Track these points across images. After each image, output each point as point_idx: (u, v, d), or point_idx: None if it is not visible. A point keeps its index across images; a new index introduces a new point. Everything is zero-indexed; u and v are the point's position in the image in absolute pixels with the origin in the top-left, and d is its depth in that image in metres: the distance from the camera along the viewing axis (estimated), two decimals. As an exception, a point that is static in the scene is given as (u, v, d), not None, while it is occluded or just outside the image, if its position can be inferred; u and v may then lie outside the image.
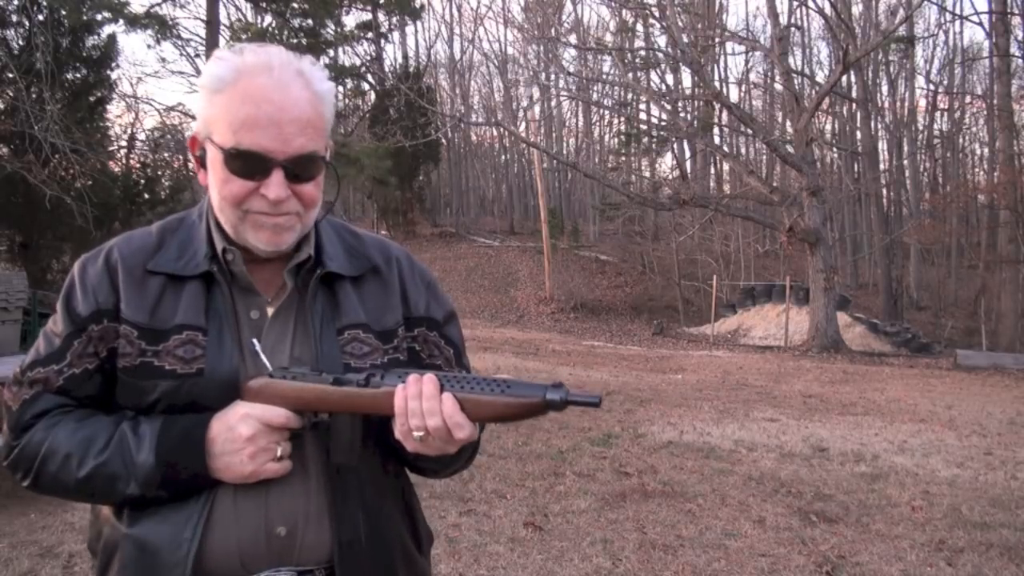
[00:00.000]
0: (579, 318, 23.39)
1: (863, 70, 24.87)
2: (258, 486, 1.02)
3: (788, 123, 22.15)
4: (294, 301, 1.10)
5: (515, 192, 42.06)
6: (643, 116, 30.69)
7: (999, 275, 19.54)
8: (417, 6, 27.63)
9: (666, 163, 35.54)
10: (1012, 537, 4.00)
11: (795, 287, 19.20)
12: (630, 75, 22.54)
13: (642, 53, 24.45)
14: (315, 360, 1.07)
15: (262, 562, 1.03)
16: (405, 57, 36.10)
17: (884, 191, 29.29)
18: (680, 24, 17.81)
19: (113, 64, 13.92)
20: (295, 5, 17.84)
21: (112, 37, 13.90)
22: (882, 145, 31.99)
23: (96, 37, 13.67)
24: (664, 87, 27.39)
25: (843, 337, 16.84)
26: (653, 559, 3.61)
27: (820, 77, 27.52)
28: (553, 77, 25.97)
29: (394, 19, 31.47)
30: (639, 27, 26.55)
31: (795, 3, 25.13)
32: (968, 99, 31.53)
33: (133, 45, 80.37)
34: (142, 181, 14.92)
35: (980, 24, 46.36)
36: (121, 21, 14.35)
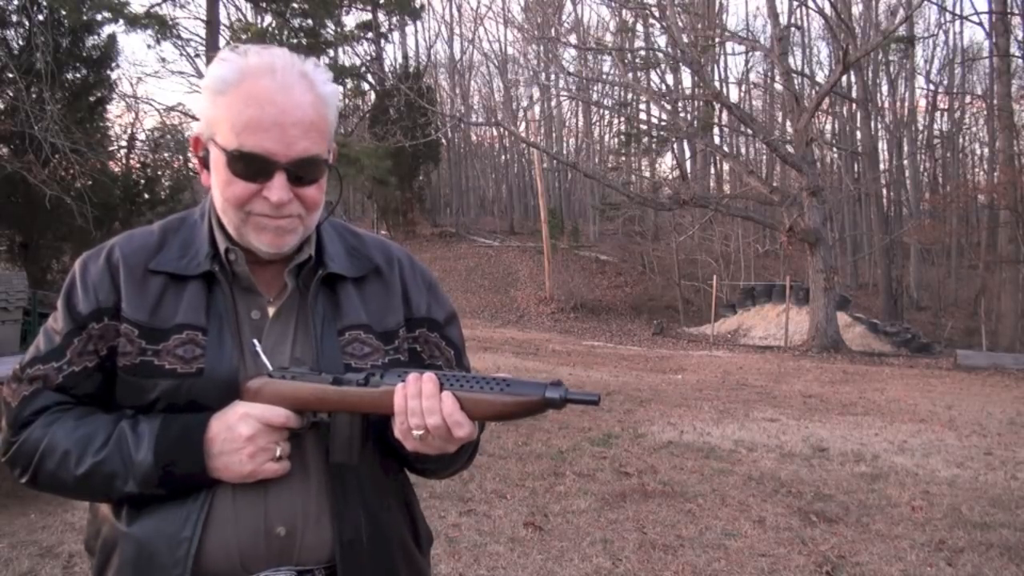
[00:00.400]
0: (579, 318, 23.39)
1: (863, 70, 24.87)
2: (257, 486, 1.02)
3: (788, 123, 22.16)
4: (295, 302, 1.10)
5: (515, 192, 42.05)
6: (643, 116, 30.72)
7: (999, 275, 19.54)
8: (417, 6, 27.65)
9: (666, 163, 35.59)
10: (1012, 537, 4.00)
11: (795, 287, 19.20)
12: (630, 75, 22.54)
13: (642, 53, 24.44)
14: (316, 361, 1.07)
15: (261, 562, 1.03)
16: (405, 57, 36.14)
17: (884, 191, 29.29)
18: (680, 24, 17.81)
19: (113, 64, 13.93)
20: (295, 5, 17.84)
21: (112, 37, 13.91)
22: (882, 145, 32.02)
23: (96, 37, 13.68)
24: (664, 87, 27.40)
25: (843, 337, 16.84)
26: (653, 559, 3.61)
27: (820, 77, 27.55)
28: (553, 77, 26.00)
29: (394, 19, 31.49)
30: (639, 27, 26.56)
31: (795, 3, 25.16)
32: (968, 99, 31.55)
33: (133, 45, 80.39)
34: (142, 181, 14.93)
35: (980, 24, 46.39)
36: (121, 21, 14.35)
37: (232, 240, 1.07)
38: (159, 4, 16.87)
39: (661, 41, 24.05)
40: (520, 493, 4.58)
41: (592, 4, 59.83)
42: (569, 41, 25.20)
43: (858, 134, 29.56)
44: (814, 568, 3.55)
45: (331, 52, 22.50)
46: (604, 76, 26.64)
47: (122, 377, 1.05)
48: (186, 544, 1.00)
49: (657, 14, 18.91)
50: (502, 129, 29.82)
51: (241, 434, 1.00)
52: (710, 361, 13.98)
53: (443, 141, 34.81)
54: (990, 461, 5.81)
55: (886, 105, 31.71)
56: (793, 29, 25.46)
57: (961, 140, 33.19)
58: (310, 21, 18.55)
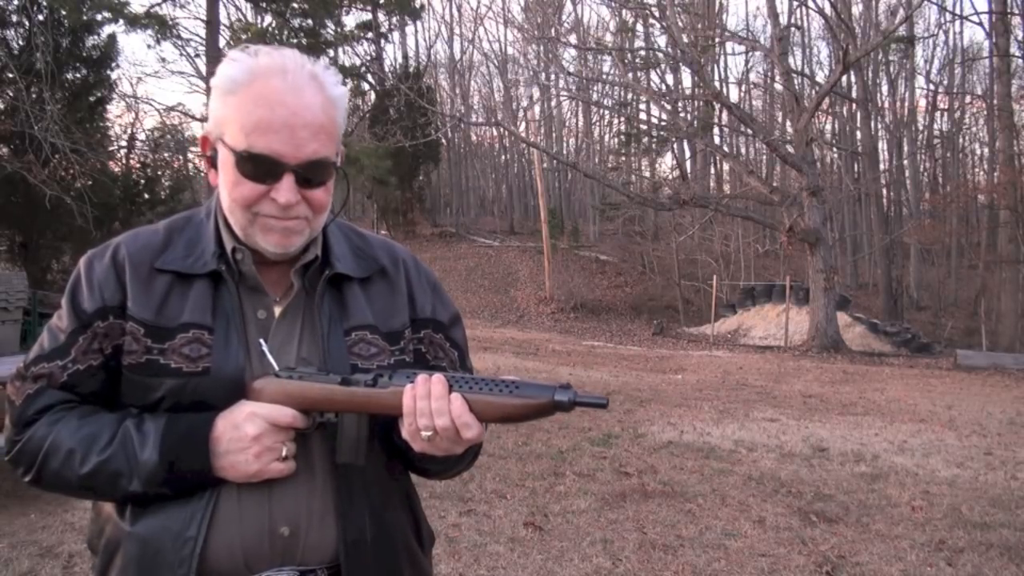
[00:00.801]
0: (579, 318, 23.38)
1: (863, 70, 24.87)
2: (262, 485, 1.02)
3: (788, 123, 22.15)
4: (301, 302, 1.10)
5: (515, 192, 42.05)
6: (643, 116, 30.71)
7: (999, 275, 19.54)
8: (417, 6, 27.69)
9: (666, 163, 35.59)
10: (1012, 537, 4.00)
11: (795, 287, 19.19)
12: (630, 75, 22.54)
13: (642, 53, 24.45)
14: (322, 361, 1.07)
15: (264, 562, 1.03)
16: (405, 57, 36.13)
17: (884, 191, 29.29)
18: (680, 24, 17.81)
19: (113, 64, 13.97)
20: (295, 5, 17.86)
21: (112, 37, 13.93)
22: (882, 145, 32.02)
23: (96, 37, 13.70)
24: (664, 87, 27.41)
25: (843, 337, 16.84)
26: (653, 559, 3.61)
27: (820, 77, 27.55)
28: (553, 77, 26.00)
29: (394, 19, 31.52)
30: (639, 27, 26.56)
31: (795, 3, 25.17)
32: (968, 99, 31.55)
33: (133, 45, 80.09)
34: (142, 181, 14.96)
35: (980, 24, 46.36)
36: (121, 21, 14.37)
37: (238, 240, 1.07)
38: (159, 4, 16.88)
39: (661, 41, 24.08)
40: (520, 493, 4.58)
41: (592, 4, 59.93)
42: (569, 41, 25.22)
43: (858, 134, 29.56)
44: (814, 568, 3.55)
45: (331, 52, 22.51)
46: (604, 76, 26.65)
47: (127, 376, 1.04)
48: (191, 543, 1.00)
49: (657, 14, 18.91)
50: (502, 129, 29.84)
51: (247, 433, 1.00)
52: (710, 361, 13.98)
53: (443, 141, 34.80)
54: (990, 461, 5.81)
55: (886, 105, 31.73)
56: (793, 29, 25.47)
57: (961, 140, 33.23)
58: (310, 21, 18.57)
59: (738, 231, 27.89)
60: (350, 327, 1.10)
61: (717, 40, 21.12)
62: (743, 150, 33.29)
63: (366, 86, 30.75)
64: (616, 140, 37.67)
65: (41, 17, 11.48)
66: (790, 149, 17.98)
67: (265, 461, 1.01)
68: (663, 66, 26.77)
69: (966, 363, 13.52)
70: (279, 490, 1.03)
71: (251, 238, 1.05)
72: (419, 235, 32.40)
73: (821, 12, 19.96)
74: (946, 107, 31.86)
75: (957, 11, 29.93)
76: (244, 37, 17.73)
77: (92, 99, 13.42)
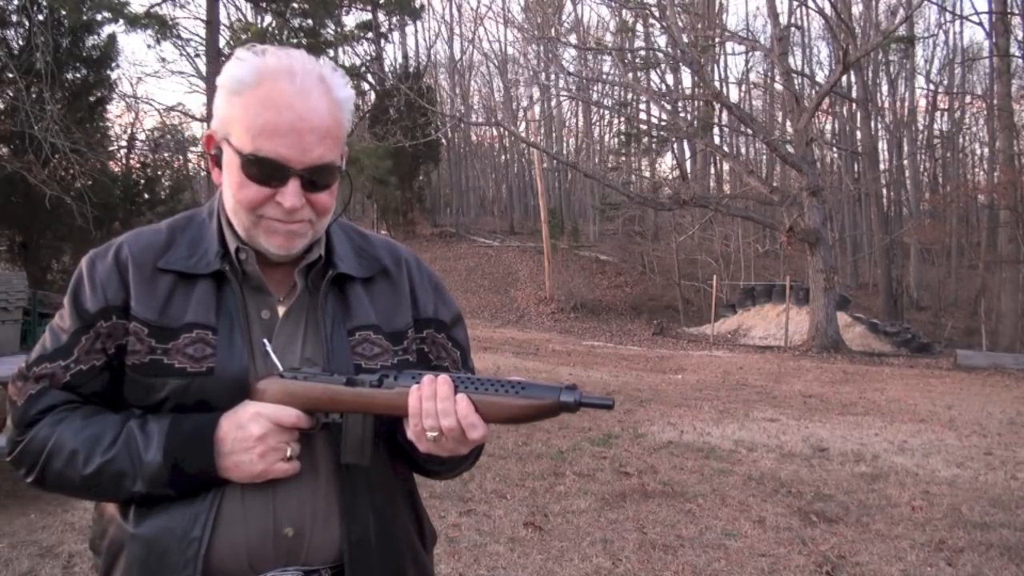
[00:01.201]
0: (579, 318, 23.38)
1: (863, 70, 24.87)
2: (266, 486, 1.02)
3: (788, 123, 22.15)
4: (305, 302, 1.10)
5: (515, 192, 42.04)
6: (643, 116, 30.71)
7: (999, 275, 19.55)
8: (417, 6, 27.69)
9: (666, 163, 35.59)
10: (1012, 537, 4.00)
11: (795, 287, 19.19)
12: (630, 75, 22.55)
13: (642, 53, 24.45)
14: (326, 360, 1.07)
15: (269, 562, 1.03)
16: (405, 57, 36.11)
17: (884, 191, 29.29)
18: (680, 24, 17.81)
19: (113, 64, 13.97)
20: (295, 5, 17.86)
21: (112, 37, 13.93)
22: (882, 145, 32.02)
23: (96, 37, 13.70)
24: (664, 87, 27.41)
25: (843, 337, 16.84)
26: (653, 559, 3.61)
27: (820, 77, 27.55)
28: (553, 77, 25.97)
29: (394, 19, 31.50)
30: (639, 27, 26.56)
31: (795, 3, 25.16)
32: (968, 99, 31.55)
33: (133, 45, 79.94)
34: (142, 181, 14.96)
35: (980, 24, 46.30)
36: (121, 21, 14.38)
37: (242, 240, 1.07)
38: (159, 4, 16.88)
39: (661, 41, 24.07)
40: (520, 493, 4.58)
41: (592, 4, 59.87)
42: (569, 41, 25.24)
43: (858, 134, 29.56)
44: (814, 568, 3.56)
45: (331, 52, 22.51)
46: (604, 76, 26.64)
47: (131, 376, 1.04)
48: (196, 544, 1.00)
49: (657, 14, 18.91)
50: (502, 129, 29.83)
51: (252, 433, 1.00)
52: (710, 361, 13.98)
53: (443, 141, 34.78)
54: (990, 461, 5.81)
55: (886, 105, 31.74)
56: (793, 29, 25.47)
57: (961, 140, 33.23)
58: (310, 21, 18.57)
59: (738, 231, 27.89)
60: (353, 327, 1.10)
61: (717, 40, 21.13)
62: (743, 150, 33.29)
63: (366, 86, 30.75)
64: (616, 140, 37.69)
65: (41, 17, 11.48)
66: (790, 149, 17.98)
67: (269, 461, 1.00)
68: (663, 66, 26.78)
69: (966, 363, 13.52)
70: (283, 491, 1.03)
71: (254, 240, 1.05)
72: (419, 235, 32.38)
73: (821, 12, 19.97)
74: (946, 107, 31.88)
75: (957, 11, 29.93)
76: (244, 37, 17.73)
77: (92, 99, 13.42)
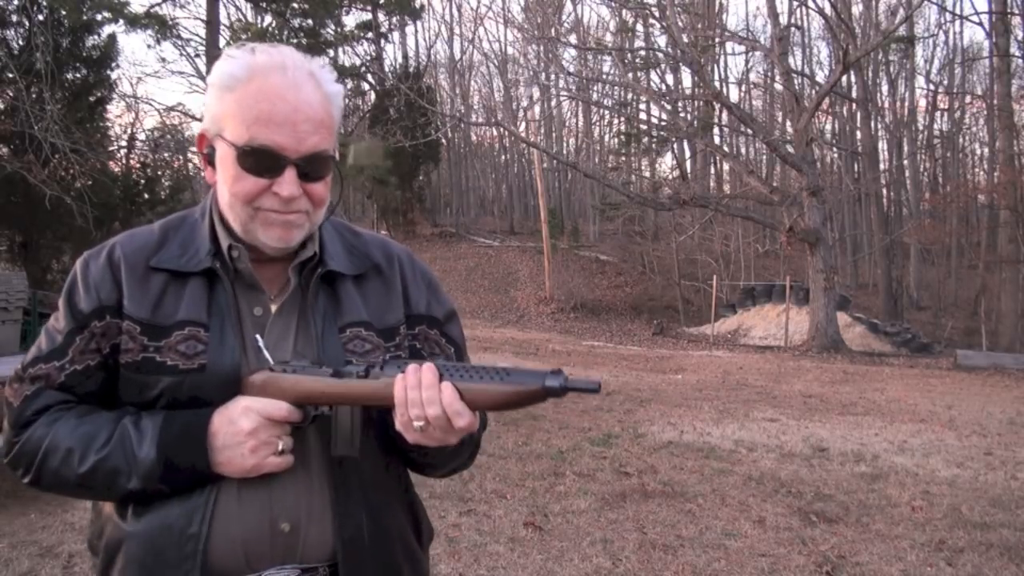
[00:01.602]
0: (579, 318, 23.38)
1: (863, 70, 24.86)
2: (261, 481, 1.02)
3: (788, 123, 22.15)
4: (296, 299, 1.11)
5: (515, 192, 42.04)
6: (643, 116, 30.69)
7: (999, 275, 19.55)
8: (417, 6, 27.70)
9: (666, 163, 35.56)
10: (1012, 537, 4.00)
11: (795, 287, 19.19)
12: (630, 75, 22.53)
13: (642, 53, 24.44)
14: (317, 358, 1.07)
15: (266, 559, 1.03)
16: (405, 57, 36.11)
17: (884, 191, 29.27)
18: (680, 24, 17.80)
19: (113, 64, 13.96)
20: (295, 5, 17.86)
21: (112, 37, 13.93)
22: (882, 145, 31.99)
23: (96, 37, 13.69)
24: (664, 87, 27.41)
25: (843, 337, 16.84)
26: (653, 559, 3.61)
27: (820, 77, 27.55)
28: (553, 77, 25.95)
29: (394, 19, 31.53)
30: (639, 27, 26.55)
31: (795, 3, 25.15)
32: (968, 99, 31.53)
33: (133, 45, 79.93)
34: (142, 181, 14.95)
35: (980, 24, 46.28)
36: (121, 21, 14.37)
37: (235, 237, 1.07)
38: (159, 4, 16.88)
39: (661, 41, 24.06)
40: (520, 493, 4.58)
41: (592, 4, 59.82)
42: (569, 41, 25.20)
43: (858, 134, 29.54)
44: (814, 568, 3.55)
45: (331, 52, 22.52)
46: (604, 76, 26.63)
47: (124, 374, 1.05)
48: (194, 540, 1.00)
49: (657, 14, 18.91)
50: (502, 129, 29.82)
51: (243, 428, 1.00)
52: (710, 361, 13.98)
53: (443, 141, 34.78)
54: (990, 461, 5.81)
55: (886, 105, 31.71)
56: (793, 29, 25.46)
57: (961, 140, 33.21)
58: (310, 21, 18.58)
59: (738, 231, 27.88)
60: (344, 324, 1.11)
61: (717, 40, 21.12)
62: (743, 150, 33.28)
63: (366, 86, 30.79)
64: (616, 140, 37.66)
65: (41, 17, 11.48)
66: (790, 149, 17.98)
67: (261, 456, 1.01)
68: (663, 66, 26.78)
69: (966, 363, 13.52)
70: (278, 486, 1.04)
71: (251, 233, 1.05)
72: (419, 235, 32.39)
73: (821, 12, 19.96)
74: (946, 107, 31.86)
75: (957, 11, 30.00)
76: (244, 37, 17.73)
77: (92, 99, 13.42)
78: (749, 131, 20.85)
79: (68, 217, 10.85)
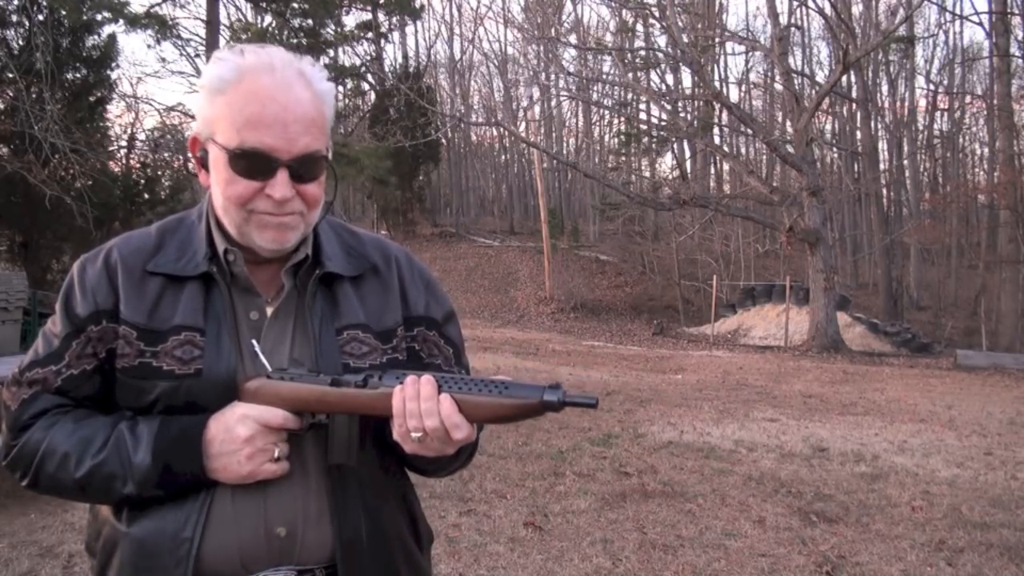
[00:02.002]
0: (579, 318, 23.38)
1: (863, 70, 24.85)
2: (256, 486, 1.02)
3: (788, 123, 22.15)
4: (293, 301, 1.10)
5: (515, 192, 42.03)
6: (643, 116, 30.70)
7: (999, 275, 19.54)
8: (417, 6, 27.64)
9: (666, 163, 35.58)
10: (1012, 537, 4.00)
11: (795, 287, 19.19)
12: (630, 75, 22.53)
13: (642, 53, 24.44)
14: (314, 360, 1.06)
15: (262, 562, 1.03)
16: (405, 57, 36.12)
17: (884, 191, 29.28)
18: (680, 24, 17.80)
19: (113, 64, 13.93)
20: (295, 5, 17.83)
21: (112, 37, 13.90)
22: (882, 145, 31.99)
23: (96, 37, 13.67)
24: (664, 87, 27.43)
25: (843, 337, 16.84)
26: (653, 559, 3.61)
27: (820, 77, 27.55)
28: (553, 77, 25.96)
29: (394, 19, 31.48)
30: (639, 27, 26.55)
31: (795, 3, 25.15)
32: (968, 99, 31.54)
33: (133, 45, 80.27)
34: (142, 181, 14.93)
35: (980, 24, 46.24)
36: (121, 21, 14.32)
37: (230, 241, 1.07)
38: (159, 4, 16.85)
39: (661, 41, 24.07)
40: (520, 493, 4.58)
41: (592, 4, 59.83)
42: (569, 41, 25.22)
43: (858, 134, 29.54)
44: (814, 568, 3.55)
45: (331, 52, 22.50)
46: (604, 76, 26.63)
47: (121, 379, 1.05)
48: (187, 544, 1.00)
49: (657, 14, 18.91)
50: (502, 129, 29.82)
51: (239, 435, 1.00)
52: (710, 361, 13.98)
53: (443, 141, 34.79)
54: (990, 461, 5.81)
55: (886, 105, 31.71)
56: (793, 29, 25.45)
57: (961, 140, 33.22)
58: (310, 21, 18.55)
59: (738, 231, 27.88)
60: (342, 326, 1.10)
61: (717, 40, 21.13)
62: (743, 150, 33.28)
63: (366, 86, 30.77)
64: (616, 140, 37.66)
65: (41, 17, 11.47)
66: (790, 149, 17.98)
67: (257, 463, 1.01)
68: (663, 66, 26.78)
69: (966, 363, 13.52)
70: (274, 491, 1.03)
71: (246, 236, 1.05)
72: (419, 235, 32.40)
73: (821, 12, 19.97)
74: (946, 107, 31.87)
75: (957, 11, 30.00)
76: (244, 37, 17.72)
77: (92, 99, 13.40)
78: (749, 131, 20.85)
79: (68, 217, 10.85)
